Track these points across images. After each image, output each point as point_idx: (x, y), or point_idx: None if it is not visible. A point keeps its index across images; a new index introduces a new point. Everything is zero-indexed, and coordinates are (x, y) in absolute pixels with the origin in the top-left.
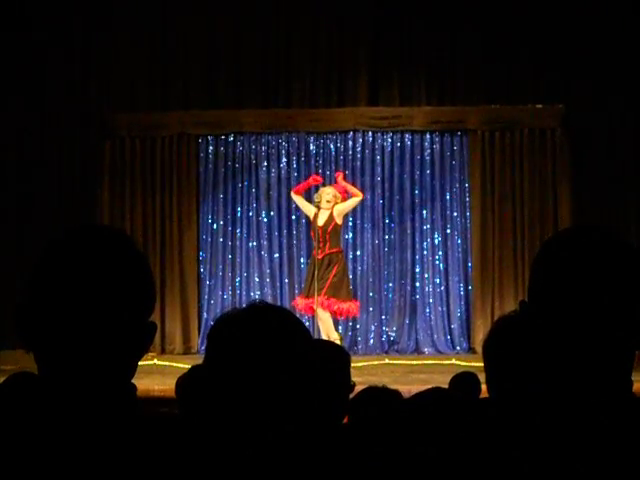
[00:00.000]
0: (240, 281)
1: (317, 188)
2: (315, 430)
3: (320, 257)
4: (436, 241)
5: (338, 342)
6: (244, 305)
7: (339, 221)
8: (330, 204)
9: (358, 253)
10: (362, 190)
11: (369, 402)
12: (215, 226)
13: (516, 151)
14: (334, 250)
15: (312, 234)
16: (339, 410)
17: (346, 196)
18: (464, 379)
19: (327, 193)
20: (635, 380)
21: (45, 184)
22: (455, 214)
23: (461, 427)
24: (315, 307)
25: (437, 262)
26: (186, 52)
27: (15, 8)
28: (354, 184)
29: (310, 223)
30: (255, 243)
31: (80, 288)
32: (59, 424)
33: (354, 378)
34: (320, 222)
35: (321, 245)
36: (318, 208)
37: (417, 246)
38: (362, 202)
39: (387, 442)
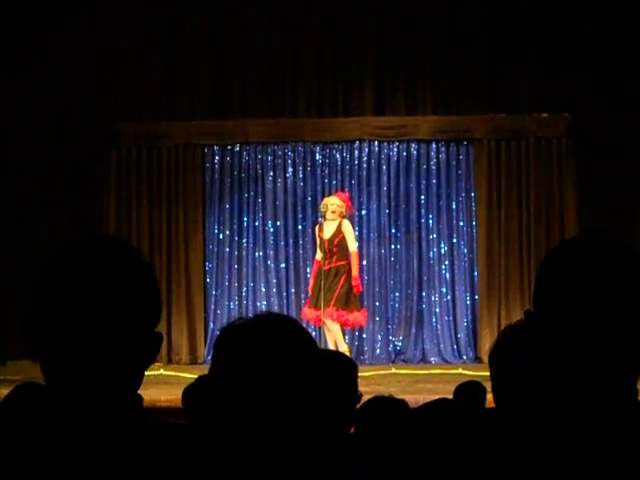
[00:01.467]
0: (246, 291)
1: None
2: (322, 440)
3: (326, 268)
4: (442, 250)
5: (347, 354)
6: (250, 315)
7: (348, 238)
8: (335, 214)
9: (364, 263)
10: (368, 199)
11: (376, 412)
12: (221, 236)
13: (522, 160)
14: (341, 262)
15: (318, 245)
16: (346, 420)
17: (350, 204)
18: (469, 388)
19: (332, 204)
20: None
21: (51, 193)
22: (461, 223)
23: (468, 438)
24: (324, 318)
25: (443, 271)
26: (192, 62)
27: (20, 17)
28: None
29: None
30: (261, 253)
31: (86, 298)
32: (65, 435)
33: (361, 388)
34: (327, 234)
35: (328, 257)
36: (324, 219)
37: (423, 255)
38: (367, 212)
39: (393, 452)
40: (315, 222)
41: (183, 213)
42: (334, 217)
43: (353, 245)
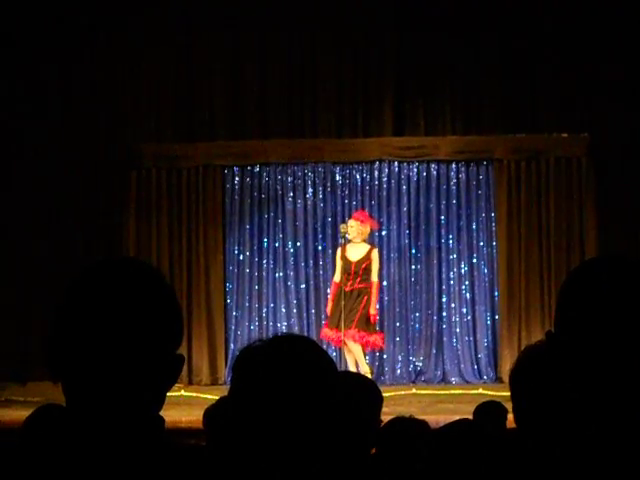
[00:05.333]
0: (267, 312)
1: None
2: (342, 461)
3: (348, 290)
4: (462, 271)
5: (368, 375)
6: (270, 336)
7: (374, 267)
8: (357, 235)
9: (385, 283)
10: (388, 220)
11: (397, 433)
12: (241, 257)
13: (542, 180)
14: (363, 285)
15: (341, 265)
16: (367, 441)
17: (371, 221)
18: (489, 408)
19: (351, 226)
20: None
21: (71, 215)
22: (481, 244)
23: (488, 459)
24: (346, 339)
25: (464, 292)
26: (212, 83)
27: (41, 38)
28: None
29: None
30: (281, 274)
31: (107, 321)
32: (87, 457)
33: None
34: (354, 257)
35: (351, 278)
36: (347, 241)
37: (443, 276)
38: (388, 232)
39: (414, 473)
40: (335, 243)
41: (203, 234)
42: (359, 240)
43: (376, 275)
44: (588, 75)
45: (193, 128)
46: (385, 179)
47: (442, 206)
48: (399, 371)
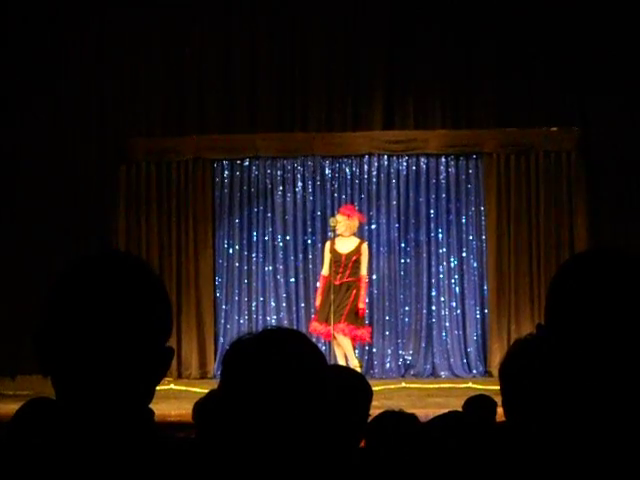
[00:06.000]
0: (256, 305)
1: (333, 214)
2: (331, 454)
3: (337, 283)
4: (452, 264)
5: (358, 369)
6: (260, 329)
7: (363, 262)
8: (345, 230)
9: (374, 277)
10: (377, 214)
11: (386, 426)
12: (231, 250)
13: (532, 174)
14: (352, 279)
15: (331, 259)
16: (356, 434)
17: (358, 214)
18: (478, 402)
19: (339, 221)
20: None
21: (61, 208)
22: (471, 237)
23: (478, 451)
24: (335, 333)
25: (453, 285)
26: (202, 77)
27: (31, 33)
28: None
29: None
30: (271, 267)
31: (96, 314)
32: (76, 450)
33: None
34: (344, 249)
35: (340, 271)
36: (336, 234)
37: (433, 270)
38: (377, 226)
39: (403, 466)
40: (325, 236)
41: (193, 228)
42: (348, 234)
43: (365, 269)
44: (578, 69)
45: (183, 122)
46: (374, 173)
47: (431, 200)
48: (388, 365)
